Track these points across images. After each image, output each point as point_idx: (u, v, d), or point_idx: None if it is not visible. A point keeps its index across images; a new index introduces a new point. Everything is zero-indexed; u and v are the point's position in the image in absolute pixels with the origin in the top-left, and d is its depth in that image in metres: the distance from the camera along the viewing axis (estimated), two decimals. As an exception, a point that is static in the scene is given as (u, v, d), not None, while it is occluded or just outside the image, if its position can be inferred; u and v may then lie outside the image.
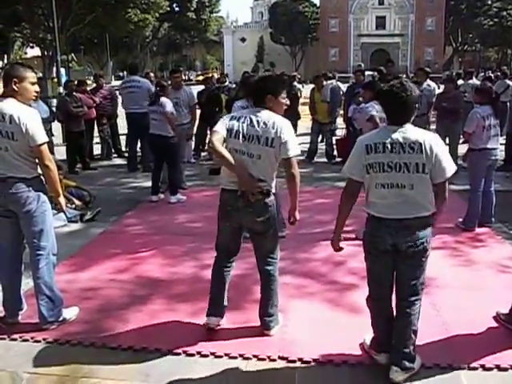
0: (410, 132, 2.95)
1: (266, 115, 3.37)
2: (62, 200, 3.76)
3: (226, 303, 3.68)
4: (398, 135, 2.93)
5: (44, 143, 3.53)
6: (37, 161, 3.58)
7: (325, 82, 10.48)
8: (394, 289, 3.16)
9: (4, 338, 3.60)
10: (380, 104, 3.24)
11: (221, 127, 3.37)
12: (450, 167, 2.97)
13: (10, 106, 3.48)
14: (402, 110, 2.96)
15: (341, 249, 3.32)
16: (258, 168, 3.34)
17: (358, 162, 3.02)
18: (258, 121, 3.34)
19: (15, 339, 3.59)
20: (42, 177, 3.65)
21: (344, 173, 3.15)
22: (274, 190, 3.49)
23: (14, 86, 3.49)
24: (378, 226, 3.04)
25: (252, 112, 3.44)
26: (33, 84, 3.61)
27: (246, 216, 3.41)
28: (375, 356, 3.26)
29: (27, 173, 3.56)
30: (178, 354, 3.38)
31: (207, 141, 3.60)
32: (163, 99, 6.97)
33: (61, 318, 3.78)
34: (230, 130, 3.35)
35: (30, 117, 3.49)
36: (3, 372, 3.23)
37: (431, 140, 2.93)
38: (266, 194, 3.40)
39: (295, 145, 3.36)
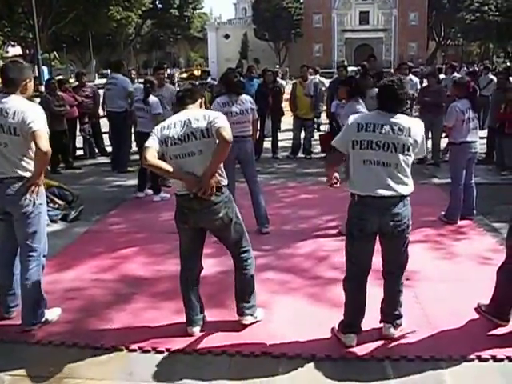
0: (400, 118, 3.23)
1: (193, 111, 3.43)
2: (40, 188, 3.65)
3: (201, 303, 3.65)
4: (389, 120, 3.21)
5: (42, 129, 3.48)
6: (33, 157, 3.54)
7: (310, 77, 10.45)
8: (382, 263, 3.44)
9: (-15, 340, 3.58)
10: (377, 95, 3.34)
11: (151, 142, 3.36)
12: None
13: (16, 102, 3.49)
14: (397, 102, 3.26)
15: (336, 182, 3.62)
16: (201, 164, 3.32)
17: (347, 137, 3.31)
18: (189, 119, 3.35)
19: (-4, 341, 3.56)
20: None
21: (332, 144, 3.40)
22: (225, 182, 3.45)
23: (27, 86, 3.60)
24: (364, 207, 3.23)
25: (180, 114, 3.46)
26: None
27: (204, 217, 3.39)
28: (343, 338, 3.42)
29: (25, 170, 3.54)
30: (162, 351, 3.38)
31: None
32: (152, 99, 6.94)
33: (43, 319, 3.76)
34: (163, 141, 3.35)
35: (33, 111, 3.51)
36: (-15, 374, 3.21)
37: (418, 126, 3.26)
38: (218, 188, 3.37)
39: (223, 118, 3.36)
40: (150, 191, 7.28)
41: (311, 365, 3.23)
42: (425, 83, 10.74)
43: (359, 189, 3.25)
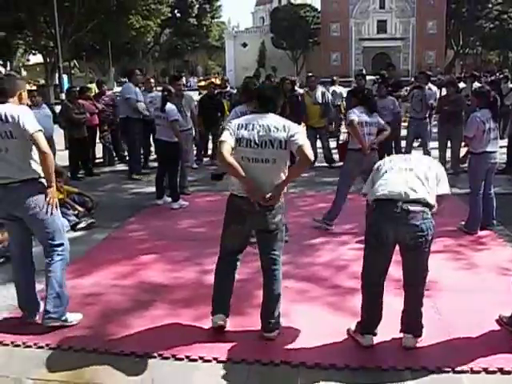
0: None
1: (273, 119, 3.43)
2: (53, 191, 3.72)
3: (230, 296, 3.73)
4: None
5: (38, 131, 3.56)
6: (36, 158, 3.61)
7: (319, 87, 10.41)
8: (402, 274, 3.43)
9: (7, 345, 3.62)
10: None
11: (228, 137, 3.38)
12: None
13: (7, 107, 3.58)
14: None
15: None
16: (271, 173, 3.39)
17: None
18: (269, 126, 3.37)
19: (18, 345, 3.60)
20: (43, 179, 3.68)
21: None
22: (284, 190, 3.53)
23: (22, 96, 3.74)
24: (381, 215, 3.27)
25: (260, 117, 3.47)
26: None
27: (261, 219, 3.45)
28: (360, 339, 3.47)
29: (28, 173, 3.61)
30: (181, 359, 3.39)
31: (217, 150, 3.67)
32: (169, 106, 6.98)
33: (63, 318, 3.80)
34: (239, 140, 3.38)
35: (23, 111, 3.59)
36: (7, 379, 3.24)
37: None
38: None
39: (304, 136, 3.41)
40: (168, 199, 7.29)
41: (330, 374, 3.21)
42: (444, 92, 10.66)
43: (378, 193, 3.33)
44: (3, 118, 3.53)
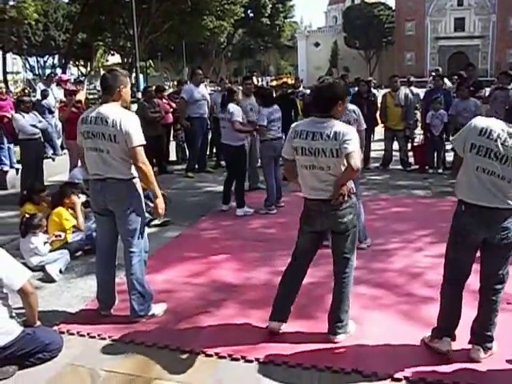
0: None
1: (329, 125, 3.37)
2: (159, 202, 3.90)
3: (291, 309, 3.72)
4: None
5: (140, 145, 3.70)
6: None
7: (402, 87, 10.15)
8: (479, 277, 3.32)
9: (83, 336, 3.75)
10: None
11: (287, 151, 3.54)
12: None
13: (112, 111, 3.68)
14: None
15: None
16: (331, 177, 3.37)
17: (463, 140, 3.18)
18: (321, 133, 3.34)
19: (94, 337, 3.72)
20: (137, 178, 3.82)
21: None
22: (354, 190, 3.49)
23: (121, 93, 3.77)
24: (469, 216, 3.16)
25: (314, 125, 3.42)
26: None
27: (330, 219, 3.43)
28: (436, 344, 3.38)
29: (124, 174, 3.75)
30: (251, 361, 3.37)
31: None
32: (232, 106, 6.76)
33: (150, 313, 3.95)
34: (295, 148, 3.44)
35: (129, 120, 3.69)
36: (83, 368, 3.36)
37: None
38: (349, 195, 3.42)
39: (353, 142, 3.33)
40: (234, 204, 7.08)
41: (404, 387, 3.10)
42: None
43: (465, 195, 3.19)
44: (110, 123, 3.64)
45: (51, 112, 11.76)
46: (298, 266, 3.68)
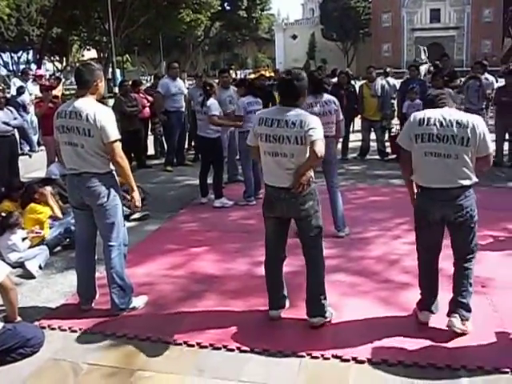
0: (455, 112, 3.40)
1: (295, 114, 3.46)
2: (136, 195, 3.93)
3: (285, 294, 3.82)
4: (446, 113, 3.35)
5: (116, 141, 3.71)
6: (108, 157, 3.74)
7: (378, 78, 10.25)
8: (452, 251, 3.51)
9: (65, 330, 3.75)
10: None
11: (250, 138, 3.65)
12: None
13: (87, 105, 3.67)
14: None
15: None
16: (293, 165, 3.44)
17: (408, 133, 3.46)
18: (286, 120, 3.42)
19: (75, 331, 3.72)
20: (113, 172, 3.83)
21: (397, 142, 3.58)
22: (313, 178, 3.58)
23: (98, 86, 3.77)
24: (427, 198, 3.41)
25: (280, 113, 3.50)
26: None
27: (291, 206, 3.52)
28: (419, 315, 3.64)
29: (100, 168, 3.74)
30: (232, 349, 3.41)
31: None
32: (210, 101, 6.78)
33: (131, 306, 3.97)
34: (259, 135, 3.52)
35: (104, 114, 3.68)
36: (65, 362, 3.37)
37: (475, 120, 3.31)
38: (308, 184, 3.50)
39: (318, 129, 3.44)
40: (213, 196, 7.09)
41: (382, 370, 3.16)
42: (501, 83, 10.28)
43: (421, 180, 3.44)
44: (83, 117, 3.63)
45: (25, 109, 11.51)
46: (272, 254, 3.76)
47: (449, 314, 3.48)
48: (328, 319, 3.67)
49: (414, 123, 3.40)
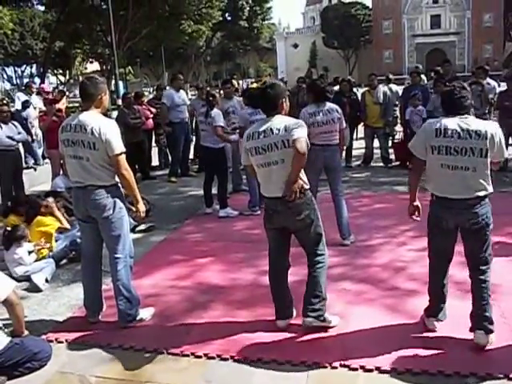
0: (473, 121, 3.32)
1: (278, 120, 3.52)
2: (141, 207, 3.96)
3: (292, 303, 3.80)
4: (463, 123, 3.27)
5: (121, 153, 3.73)
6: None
7: (380, 85, 10.26)
8: (466, 261, 3.45)
9: (72, 343, 3.74)
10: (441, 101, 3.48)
11: (243, 157, 3.73)
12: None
13: (91, 118, 3.70)
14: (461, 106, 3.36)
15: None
16: (285, 171, 3.46)
17: (423, 142, 3.38)
18: (271, 129, 3.48)
19: (82, 343, 3.72)
20: (118, 184, 3.85)
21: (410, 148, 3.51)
22: (307, 186, 3.58)
23: (102, 100, 3.79)
24: (442, 206, 3.37)
25: (264, 124, 3.56)
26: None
27: (288, 217, 3.54)
28: (426, 322, 3.63)
29: (105, 181, 3.76)
30: (240, 360, 3.40)
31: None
32: (214, 111, 6.82)
33: (138, 318, 3.97)
34: (249, 151, 3.58)
35: (108, 127, 3.71)
36: (72, 375, 3.36)
37: (492, 129, 3.29)
38: (302, 192, 3.51)
39: (299, 129, 3.45)
40: (218, 206, 7.08)
41: (391, 378, 3.15)
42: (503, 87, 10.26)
43: (436, 190, 3.41)
44: (88, 130, 3.65)
45: (29, 123, 11.43)
46: (275, 264, 3.78)
47: (472, 329, 3.41)
48: (328, 324, 3.67)
49: (431, 133, 3.31)
